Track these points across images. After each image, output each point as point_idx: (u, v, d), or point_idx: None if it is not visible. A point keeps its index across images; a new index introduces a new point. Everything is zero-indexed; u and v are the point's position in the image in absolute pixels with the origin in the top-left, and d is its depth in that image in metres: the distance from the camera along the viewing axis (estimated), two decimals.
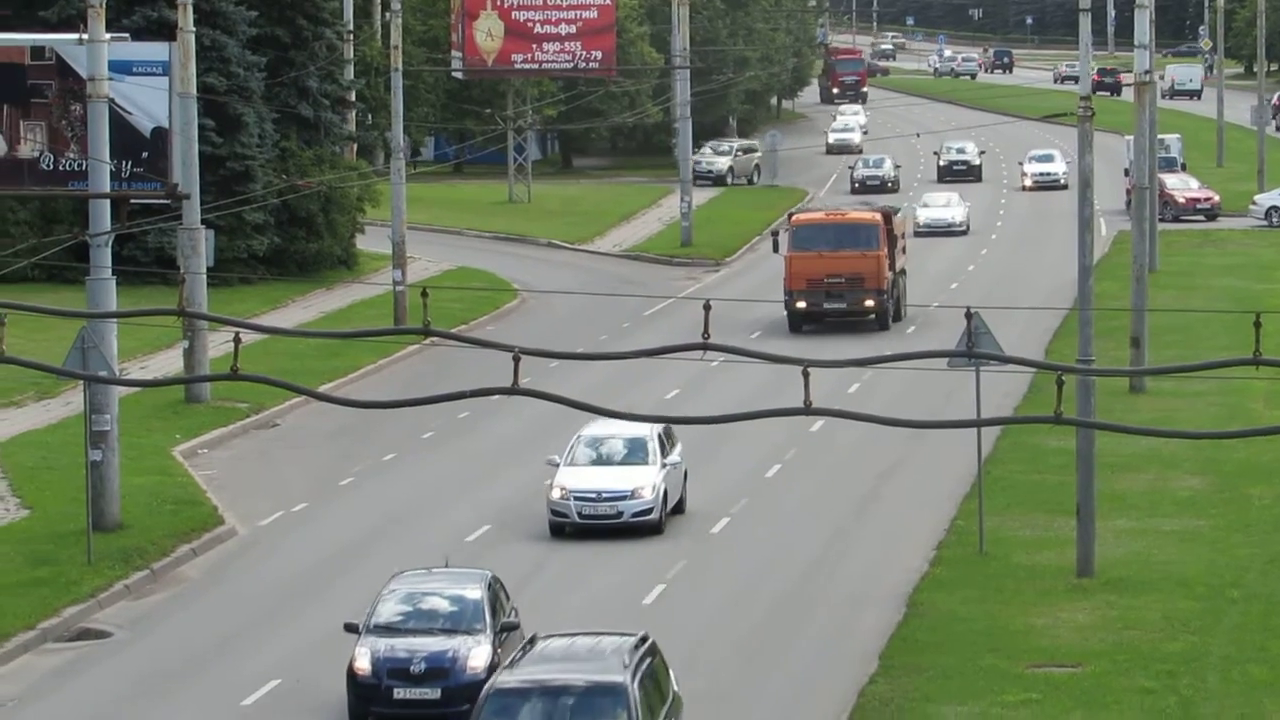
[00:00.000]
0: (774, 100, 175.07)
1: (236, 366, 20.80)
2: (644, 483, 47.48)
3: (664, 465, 48.11)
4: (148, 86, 62.90)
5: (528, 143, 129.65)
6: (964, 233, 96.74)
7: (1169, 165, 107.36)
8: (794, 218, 63.02)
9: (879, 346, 59.50)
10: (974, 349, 45.91)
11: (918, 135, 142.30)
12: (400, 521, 54.34)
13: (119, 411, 52.15)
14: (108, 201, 53.19)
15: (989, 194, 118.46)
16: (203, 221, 67.57)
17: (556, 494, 47.77)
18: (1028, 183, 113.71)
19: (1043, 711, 39.19)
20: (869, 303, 56.99)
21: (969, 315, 47.65)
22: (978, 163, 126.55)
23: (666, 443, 48.25)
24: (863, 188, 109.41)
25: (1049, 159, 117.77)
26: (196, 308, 56.49)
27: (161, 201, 63.97)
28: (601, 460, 48.32)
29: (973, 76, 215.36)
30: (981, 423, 48.42)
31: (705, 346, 33.43)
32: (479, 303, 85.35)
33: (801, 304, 58.33)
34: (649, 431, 47.80)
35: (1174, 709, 39.34)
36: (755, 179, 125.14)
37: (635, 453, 48.62)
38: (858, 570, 49.42)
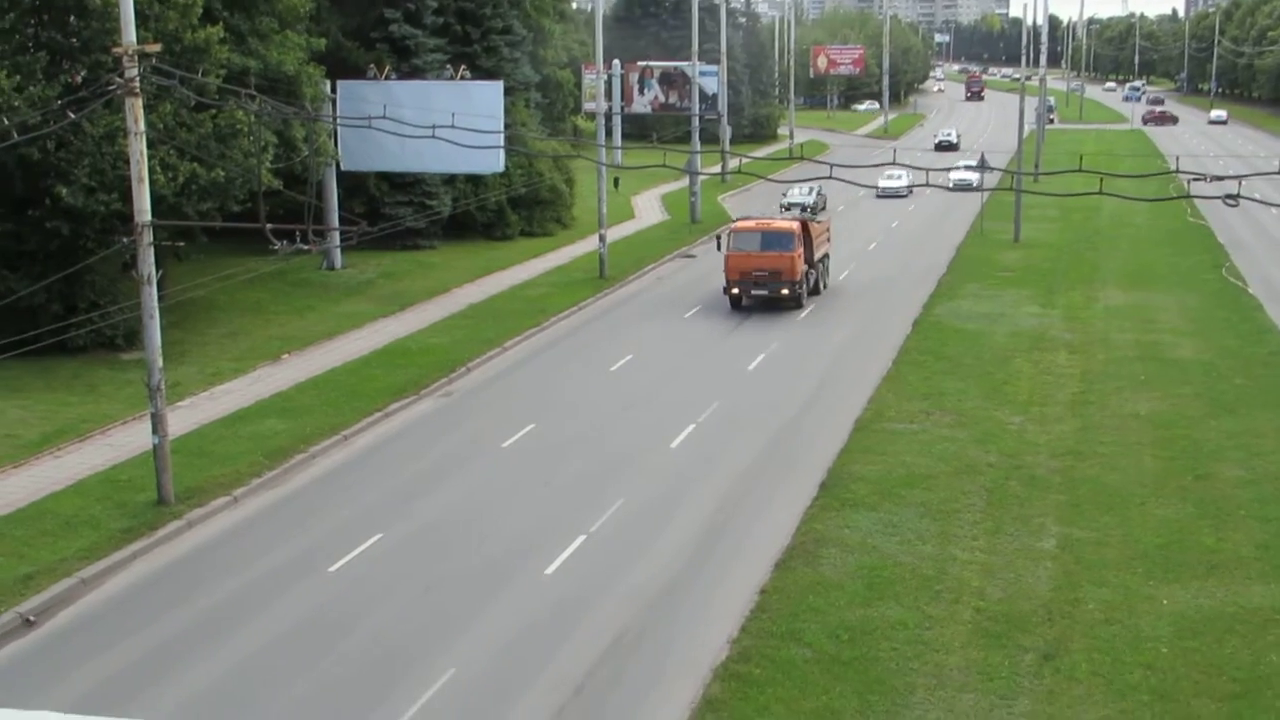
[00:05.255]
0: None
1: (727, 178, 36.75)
2: None
3: None
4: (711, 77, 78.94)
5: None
6: (907, 195, 74.77)
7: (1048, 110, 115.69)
8: (733, 225, 46.00)
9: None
10: (984, 166, 52.50)
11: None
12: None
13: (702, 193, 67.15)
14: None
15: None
16: None
17: None
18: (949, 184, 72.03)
19: (1009, 282, 49.41)
20: (785, 291, 44.02)
21: (982, 156, 60.89)
22: (957, 140, 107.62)
23: None
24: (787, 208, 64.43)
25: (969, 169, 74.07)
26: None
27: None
28: None
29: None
30: (984, 189, 60.72)
31: None
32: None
33: (735, 290, 44.43)
34: None
35: (1044, 281, 49.18)
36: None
37: None
38: (941, 244, 57.85)
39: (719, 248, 44.82)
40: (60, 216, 33.27)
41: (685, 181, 70.06)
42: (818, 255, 46.79)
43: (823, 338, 40.36)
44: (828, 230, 49.53)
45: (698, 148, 65.31)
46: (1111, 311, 44.14)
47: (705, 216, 65.57)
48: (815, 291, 47.22)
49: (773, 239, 43.99)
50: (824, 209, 64.63)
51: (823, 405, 32.95)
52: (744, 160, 40.66)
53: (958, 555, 22.91)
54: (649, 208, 70.48)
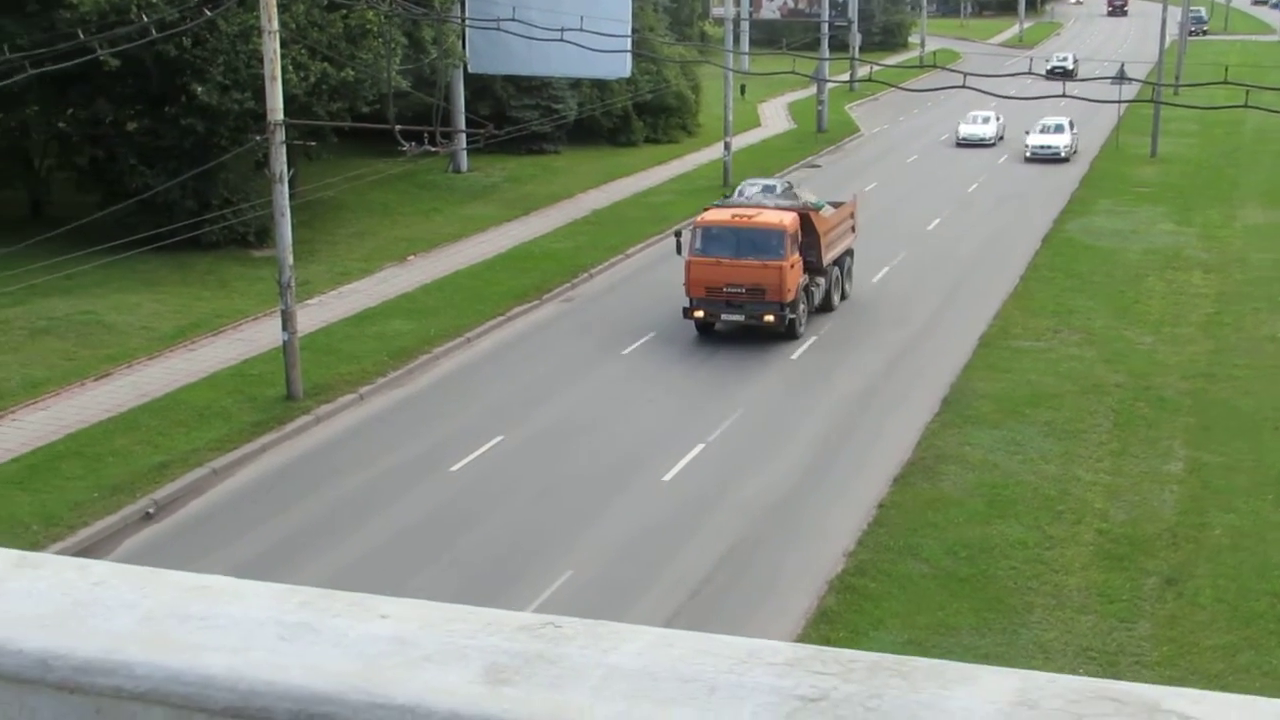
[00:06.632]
0: None
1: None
2: None
3: None
4: None
5: None
6: (994, 145, 59.35)
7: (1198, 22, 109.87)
8: (701, 217, 31.01)
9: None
10: (1122, 77, 48.06)
11: None
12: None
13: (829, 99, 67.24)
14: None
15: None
16: None
17: None
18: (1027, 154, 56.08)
19: (1144, 198, 48.19)
20: (769, 317, 29.57)
21: (1121, 67, 55.03)
22: (1073, 67, 79.63)
23: None
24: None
25: (1057, 130, 56.61)
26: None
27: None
28: None
29: None
30: (1121, 101, 58.35)
31: None
32: None
33: (699, 313, 30.04)
34: None
35: (1180, 197, 48.29)
36: None
37: None
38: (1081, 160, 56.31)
39: (679, 250, 31.17)
40: (195, 114, 33.98)
41: (812, 90, 68.21)
42: (829, 257, 32.39)
43: (950, 251, 39.72)
44: (850, 219, 34.71)
45: (826, 55, 63.97)
46: (1250, 230, 42.79)
47: (832, 126, 64.71)
48: (826, 307, 32.64)
49: (754, 239, 30.00)
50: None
51: (947, 320, 32.58)
52: (874, 68, 39.41)
53: (1081, 476, 22.63)
54: (775, 116, 69.92)
